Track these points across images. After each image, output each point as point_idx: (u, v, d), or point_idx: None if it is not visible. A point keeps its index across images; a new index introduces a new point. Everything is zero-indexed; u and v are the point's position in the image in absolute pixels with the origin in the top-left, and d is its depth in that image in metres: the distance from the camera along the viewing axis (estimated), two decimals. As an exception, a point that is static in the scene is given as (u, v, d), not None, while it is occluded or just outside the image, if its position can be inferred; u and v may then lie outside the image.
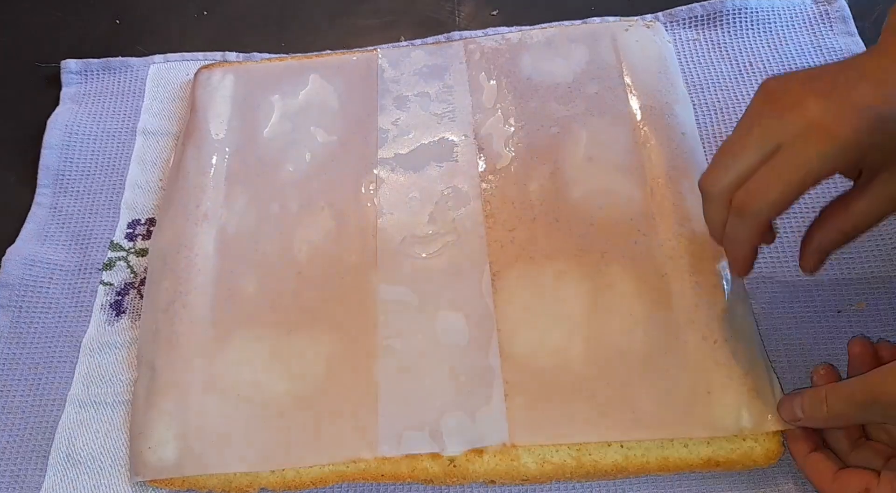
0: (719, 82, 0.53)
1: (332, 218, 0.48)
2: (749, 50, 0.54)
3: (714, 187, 0.35)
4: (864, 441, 0.36)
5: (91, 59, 0.58)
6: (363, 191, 0.49)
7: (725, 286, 0.42)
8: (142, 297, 0.47)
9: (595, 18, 0.56)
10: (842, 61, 0.35)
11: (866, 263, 0.45)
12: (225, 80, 0.54)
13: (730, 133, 0.48)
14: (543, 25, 0.56)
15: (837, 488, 0.34)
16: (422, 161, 0.50)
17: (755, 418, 0.38)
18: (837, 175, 0.34)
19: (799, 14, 0.55)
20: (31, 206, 0.52)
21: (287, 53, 0.58)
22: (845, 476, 0.34)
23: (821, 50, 0.53)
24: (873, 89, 0.32)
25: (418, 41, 0.57)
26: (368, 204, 0.48)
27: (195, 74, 0.56)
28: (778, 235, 0.41)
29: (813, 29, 0.54)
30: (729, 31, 0.55)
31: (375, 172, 0.49)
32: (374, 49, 0.56)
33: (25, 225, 0.51)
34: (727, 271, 0.42)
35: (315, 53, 0.57)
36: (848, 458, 0.36)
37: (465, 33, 0.57)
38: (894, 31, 0.35)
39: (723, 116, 0.51)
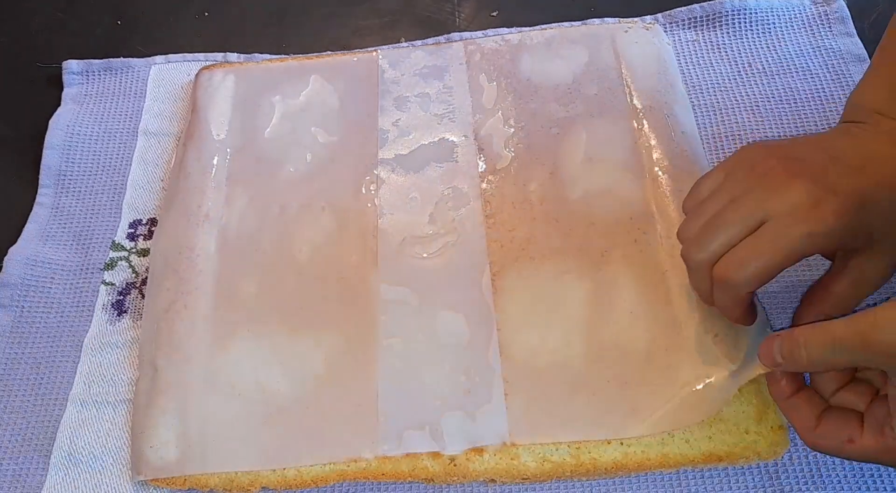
0: (718, 83, 0.53)
1: (333, 218, 0.48)
2: (748, 51, 0.54)
3: (695, 259, 0.36)
4: (847, 380, 0.35)
5: (92, 60, 0.59)
6: (363, 191, 0.49)
7: None
8: (143, 297, 0.48)
9: (594, 20, 0.56)
10: (819, 138, 0.37)
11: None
12: (226, 81, 0.55)
13: (728, 133, 0.50)
14: (543, 27, 0.56)
15: (819, 436, 0.33)
16: (422, 162, 0.50)
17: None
18: None
19: (798, 15, 0.55)
20: (32, 206, 0.52)
21: (287, 54, 0.58)
22: (828, 424, 0.33)
23: (819, 51, 0.53)
24: (854, 174, 0.34)
25: (418, 42, 0.58)
26: (369, 204, 0.48)
27: (196, 75, 0.56)
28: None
29: (812, 30, 0.54)
30: (728, 33, 0.55)
31: (376, 172, 0.50)
32: (375, 50, 0.56)
33: (27, 225, 0.51)
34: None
35: (315, 54, 0.57)
36: (831, 398, 0.35)
37: (465, 34, 0.57)
38: (870, 111, 0.37)
39: (722, 117, 0.51)
